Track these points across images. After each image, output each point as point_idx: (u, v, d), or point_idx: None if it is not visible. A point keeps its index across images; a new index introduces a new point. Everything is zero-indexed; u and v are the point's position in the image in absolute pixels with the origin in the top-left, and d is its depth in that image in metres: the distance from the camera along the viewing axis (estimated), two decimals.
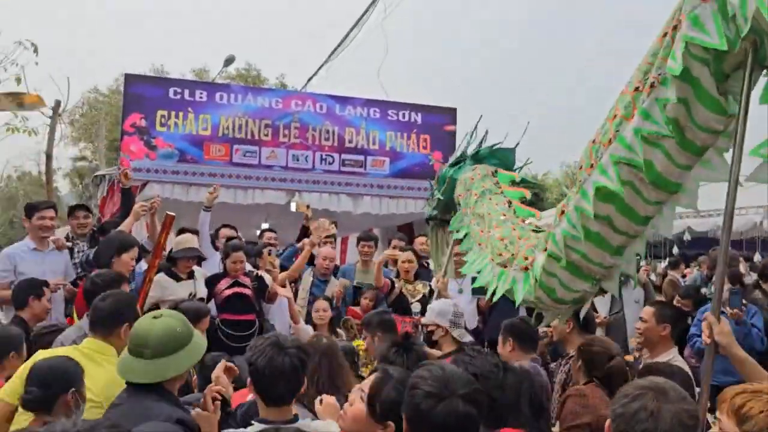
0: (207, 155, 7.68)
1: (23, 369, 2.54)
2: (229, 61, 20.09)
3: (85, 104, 27.08)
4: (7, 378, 2.72)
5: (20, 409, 2.39)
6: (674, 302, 5.19)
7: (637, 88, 1.89)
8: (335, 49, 10.13)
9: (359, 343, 4.58)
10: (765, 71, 1.67)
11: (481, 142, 4.21)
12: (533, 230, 2.91)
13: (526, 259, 2.62)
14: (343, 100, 8.28)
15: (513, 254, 2.77)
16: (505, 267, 2.83)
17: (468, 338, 3.76)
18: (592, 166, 2.09)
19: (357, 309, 5.58)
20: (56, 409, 2.23)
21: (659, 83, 1.79)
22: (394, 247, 6.14)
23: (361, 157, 8.25)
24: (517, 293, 2.65)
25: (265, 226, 10.68)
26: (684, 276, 9.27)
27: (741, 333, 4.27)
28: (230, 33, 47.16)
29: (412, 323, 4.99)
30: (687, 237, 8.55)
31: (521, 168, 4.23)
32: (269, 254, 5.52)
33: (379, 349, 2.98)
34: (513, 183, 3.63)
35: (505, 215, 3.15)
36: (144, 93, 7.60)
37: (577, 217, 2.17)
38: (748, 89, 1.67)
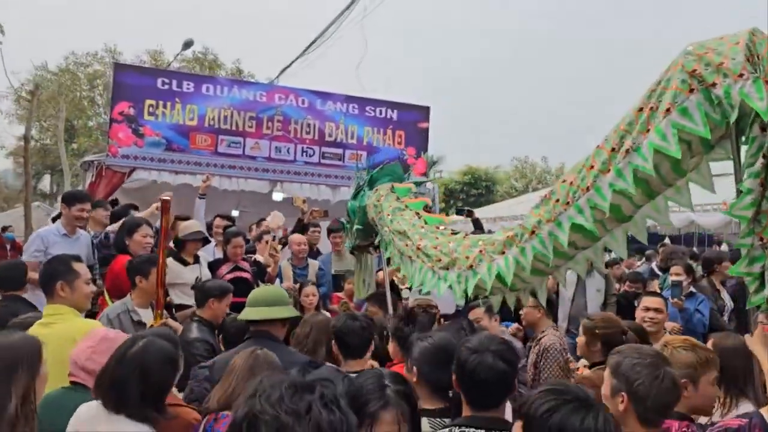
0: (193, 144, 7.97)
1: None
2: (187, 44, 19.93)
3: (32, 82, 26.34)
4: None
5: None
6: (626, 287, 5.92)
7: (613, 149, 2.35)
8: (311, 44, 10.47)
9: None
10: (743, 138, 2.13)
11: (369, 170, 4.63)
12: (453, 233, 3.53)
13: (468, 258, 3.17)
14: (324, 96, 8.69)
15: (452, 258, 3.28)
16: (448, 269, 3.33)
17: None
18: (568, 203, 2.58)
19: (341, 294, 6.07)
20: None
21: (633, 151, 2.28)
22: None
23: (339, 151, 8.71)
24: (469, 288, 3.18)
25: (235, 213, 11.01)
26: (629, 268, 10.15)
27: (683, 318, 5.00)
28: (185, 15, 46.13)
29: (402, 307, 5.51)
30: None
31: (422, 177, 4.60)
32: (273, 239, 5.91)
33: (392, 322, 3.57)
34: (410, 193, 4.12)
35: (423, 227, 3.68)
36: (133, 82, 7.80)
37: (550, 242, 2.68)
38: (738, 152, 2.15)
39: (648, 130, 2.22)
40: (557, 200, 2.65)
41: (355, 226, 4.34)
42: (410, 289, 5.86)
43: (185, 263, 5.25)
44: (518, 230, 2.89)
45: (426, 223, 3.69)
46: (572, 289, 5.56)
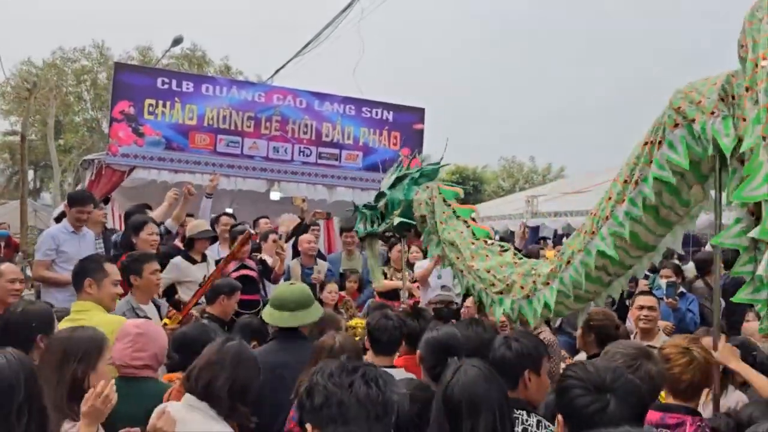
0: (192, 144, 8.05)
1: None
2: (177, 41, 19.90)
3: (17, 76, 26.03)
4: None
5: None
6: None
7: (625, 181, 2.62)
8: (307, 44, 10.57)
9: (356, 322, 5.25)
10: (731, 171, 2.30)
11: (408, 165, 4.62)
12: (501, 249, 3.62)
13: (523, 288, 3.32)
14: (322, 96, 8.81)
15: (507, 285, 3.40)
16: (503, 294, 3.42)
17: None
18: (593, 233, 2.81)
19: (343, 293, 6.22)
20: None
21: (641, 181, 2.51)
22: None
23: (336, 151, 8.84)
24: (529, 317, 3.34)
25: (229, 211, 11.10)
26: None
27: (676, 318, 5.22)
28: (173, 11, 45.75)
29: (399, 307, 5.68)
30: None
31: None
32: (279, 238, 6.05)
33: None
34: (457, 198, 4.10)
35: (474, 243, 3.73)
36: (133, 81, 7.87)
37: (582, 268, 2.90)
38: (720, 182, 2.36)
39: (651, 162, 2.44)
40: (585, 231, 2.89)
41: (397, 218, 4.33)
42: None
43: (194, 261, 5.38)
44: (558, 262, 3.10)
45: (474, 235, 3.76)
46: None
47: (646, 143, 2.49)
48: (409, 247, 6.52)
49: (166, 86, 7.95)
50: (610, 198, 2.72)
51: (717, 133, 2.15)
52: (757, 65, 1.88)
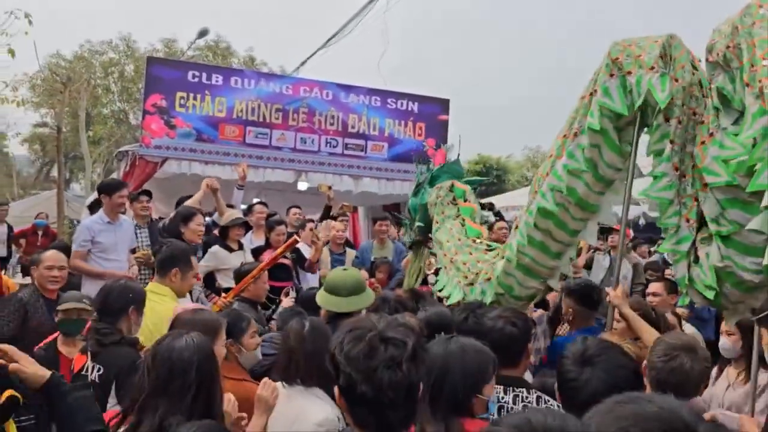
0: (222, 135, 8.24)
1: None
2: (202, 33, 20.13)
3: (47, 68, 26.50)
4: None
5: None
6: (647, 275, 6.21)
7: (565, 136, 2.63)
8: (333, 36, 10.69)
9: None
10: (646, 128, 2.39)
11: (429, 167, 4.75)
12: (486, 249, 3.60)
13: (487, 273, 3.32)
14: (348, 88, 8.94)
15: (476, 273, 3.43)
16: (473, 284, 3.40)
17: None
18: (536, 192, 2.81)
19: (372, 280, 6.37)
20: None
21: (580, 133, 2.53)
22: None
23: (362, 142, 8.97)
24: (486, 297, 3.27)
25: (255, 200, 11.33)
26: (642, 256, 10.37)
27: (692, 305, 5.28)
28: (197, 2, 46.14)
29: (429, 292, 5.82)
30: (642, 222, 9.59)
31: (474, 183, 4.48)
32: (315, 227, 6.22)
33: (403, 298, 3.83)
34: (467, 194, 4.13)
35: (460, 239, 3.76)
36: (164, 75, 8.07)
37: (526, 229, 2.85)
38: (637, 139, 2.43)
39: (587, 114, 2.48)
40: (533, 192, 2.90)
41: (417, 223, 4.41)
42: (436, 275, 6.19)
43: (230, 250, 5.57)
44: (512, 231, 3.10)
45: (466, 234, 3.79)
46: (601, 274, 5.84)
47: (583, 96, 2.53)
48: None
49: (196, 79, 8.14)
50: (551, 155, 2.72)
51: (653, 87, 2.20)
52: (753, 65, 1.87)
